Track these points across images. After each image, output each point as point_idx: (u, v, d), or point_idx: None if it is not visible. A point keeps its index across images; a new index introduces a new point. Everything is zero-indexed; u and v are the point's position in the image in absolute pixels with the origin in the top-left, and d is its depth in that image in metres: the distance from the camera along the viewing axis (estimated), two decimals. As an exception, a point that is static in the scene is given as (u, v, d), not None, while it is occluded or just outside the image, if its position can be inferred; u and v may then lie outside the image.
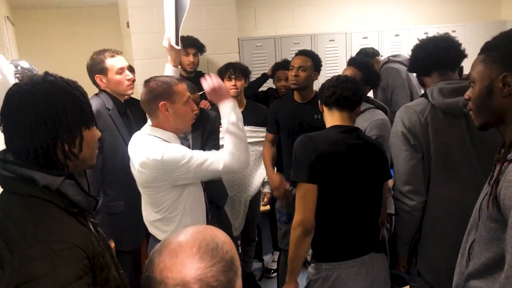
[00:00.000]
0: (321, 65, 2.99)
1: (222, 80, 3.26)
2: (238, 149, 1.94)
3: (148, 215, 2.06)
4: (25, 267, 0.99)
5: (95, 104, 2.36)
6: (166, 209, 1.96)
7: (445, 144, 1.85)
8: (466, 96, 1.33)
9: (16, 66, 2.26)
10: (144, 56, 3.80)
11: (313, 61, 2.92)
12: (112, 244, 2.37)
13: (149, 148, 1.89)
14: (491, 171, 1.29)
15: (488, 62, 1.23)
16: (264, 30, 5.00)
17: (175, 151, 1.87)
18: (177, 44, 2.24)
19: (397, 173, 1.95)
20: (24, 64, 2.33)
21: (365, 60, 2.71)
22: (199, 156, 1.89)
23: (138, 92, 3.76)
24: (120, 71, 2.46)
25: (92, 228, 1.23)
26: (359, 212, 1.91)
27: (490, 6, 5.99)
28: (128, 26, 3.81)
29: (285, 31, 5.04)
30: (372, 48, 4.05)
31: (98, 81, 2.46)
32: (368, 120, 2.44)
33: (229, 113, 1.98)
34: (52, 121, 1.10)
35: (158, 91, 1.94)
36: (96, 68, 2.44)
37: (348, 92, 1.97)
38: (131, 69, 2.79)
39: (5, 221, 1.06)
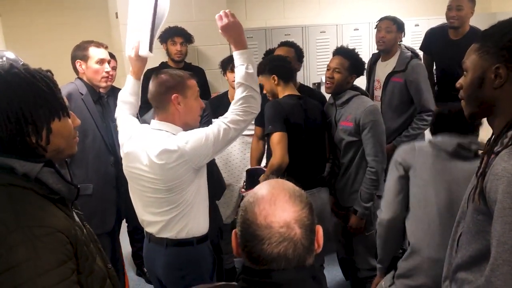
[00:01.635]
0: (303, 56, 3.05)
1: (225, 72, 3.29)
2: (249, 104, 1.90)
3: (151, 216, 1.98)
4: (7, 254, 0.99)
5: (67, 88, 2.49)
6: (183, 205, 1.89)
7: None
8: (457, 84, 1.32)
9: (1, 57, 2.22)
10: (133, 47, 3.75)
11: (296, 52, 2.97)
12: None
13: (166, 140, 1.84)
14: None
15: (482, 52, 1.22)
16: (255, 22, 4.97)
17: (193, 134, 1.86)
18: (150, 50, 2.09)
19: None
20: (10, 55, 2.29)
21: (350, 49, 2.70)
22: (211, 131, 1.86)
23: (119, 83, 3.73)
24: (100, 62, 2.59)
25: (76, 218, 1.23)
26: (310, 154, 2.58)
27: (481, -2, 6.00)
28: (117, 17, 3.77)
29: (275, 23, 5.01)
30: None
31: (77, 66, 2.59)
32: (360, 108, 2.52)
33: (246, 63, 1.91)
34: (14, 115, 1.09)
35: (171, 84, 1.91)
36: (78, 54, 2.58)
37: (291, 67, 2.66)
38: (111, 56, 2.84)
39: None
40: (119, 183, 2.62)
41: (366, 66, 3.51)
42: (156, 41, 3.57)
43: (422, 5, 5.67)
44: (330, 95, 2.73)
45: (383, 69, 3.32)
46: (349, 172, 2.61)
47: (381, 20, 3.39)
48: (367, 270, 2.66)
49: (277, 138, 2.44)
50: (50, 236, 1.04)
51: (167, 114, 1.93)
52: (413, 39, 5.28)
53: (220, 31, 1.94)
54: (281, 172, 2.39)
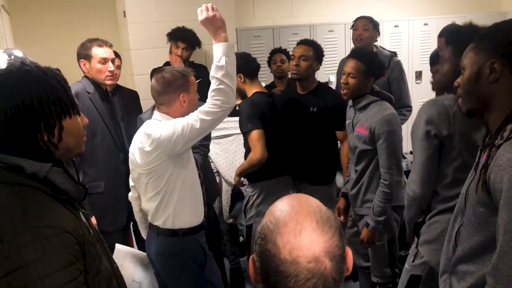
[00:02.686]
0: (323, 55, 2.93)
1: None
2: (218, 97, 1.95)
3: (146, 203, 2.15)
4: (15, 253, 0.99)
5: (75, 88, 2.51)
6: (163, 192, 2.03)
7: (469, 140, 1.77)
8: (456, 82, 1.39)
9: (9, 55, 2.23)
10: (140, 46, 3.76)
11: (315, 51, 2.85)
12: (94, 221, 2.44)
13: (150, 126, 2.02)
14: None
15: (478, 50, 1.28)
16: (263, 20, 4.95)
17: (167, 126, 1.97)
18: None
19: (414, 164, 1.90)
20: (18, 53, 2.31)
21: (366, 50, 2.66)
22: (183, 121, 1.97)
23: (127, 81, 3.76)
24: (103, 61, 2.60)
25: (83, 218, 1.23)
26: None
27: (491, -3, 5.95)
28: (124, 16, 3.77)
29: (283, 22, 4.99)
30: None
31: (81, 65, 2.62)
32: (377, 116, 2.36)
33: (219, 56, 1.96)
34: (27, 112, 1.08)
35: (178, 83, 2.04)
36: (82, 53, 2.62)
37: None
38: (116, 55, 2.86)
39: None
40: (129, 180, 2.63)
41: (339, 66, 3.63)
42: (164, 39, 3.59)
43: (430, 4, 5.62)
44: None
45: None
46: (362, 180, 2.50)
47: (357, 19, 3.55)
48: (380, 277, 2.60)
49: (256, 135, 2.63)
50: (58, 236, 1.04)
51: (171, 109, 2.07)
52: (422, 38, 5.25)
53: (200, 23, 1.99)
54: (259, 167, 2.66)
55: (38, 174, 1.09)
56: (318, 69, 2.94)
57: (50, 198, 1.11)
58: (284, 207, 0.88)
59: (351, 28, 3.54)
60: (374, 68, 2.44)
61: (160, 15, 3.78)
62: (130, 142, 2.71)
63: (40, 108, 1.10)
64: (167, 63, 3.61)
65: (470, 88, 1.30)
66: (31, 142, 1.11)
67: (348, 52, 2.76)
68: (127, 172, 2.60)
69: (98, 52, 2.59)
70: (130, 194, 2.31)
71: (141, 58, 3.74)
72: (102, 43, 2.62)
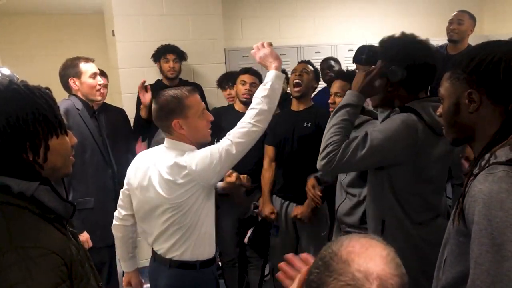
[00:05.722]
0: (319, 77, 3.04)
1: (224, 88, 3.48)
2: (256, 117, 1.93)
3: (162, 237, 1.97)
4: (0, 275, 0.96)
5: (64, 105, 2.52)
6: (188, 226, 1.90)
7: (428, 163, 1.77)
8: (437, 113, 1.37)
9: (-4, 73, 2.21)
10: (129, 64, 3.77)
11: (313, 69, 2.94)
12: (86, 236, 2.45)
13: (176, 157, 1.87)
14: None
15: (454, 80, 1.25)
16: (251, 41, 4.95)
17: (201, 156, 1.86)
18: None
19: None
20: (5, 71, 2.28)
21: (350, 70, 2.71)
22: (219, 149, 1.87)
23: (115, 100, 3.75)
24: (93, 75, 2.64)
25: (71, 237, 1.20)
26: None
27: (473, 21, 6.09)
28: (113, 35, 3.78)
29: (272, 42, 5.04)
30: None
31: (71, 83, 2.61)
32: None
33: (267, 81, 2.02)
34: (12, 131, 1.07)
35: (170, 108, 1.87)
36: (70, 71, 2.61)
37: None
38: (103, 74, 2.89)
39: None
40: (118, 197, 2.64)
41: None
42: (150, 59, 3.62)
43: (414, 27, 5.74)
44: None
45: None
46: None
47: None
48: None
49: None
50: (44, 257, 1.02)
51: (174, 136, 1.92)
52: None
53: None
54: None
55: (25, 193, 1.08)
56: (314, 90, 3.01)
57: (38, 218, 1.09)
58: (360, 237, 0.85)
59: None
60: None
61: (149, 34, 3.80)
62: (116, 160, 2.77)
63: (26, 127, 1.08)
64: (158, 82, 3.63)
65: (451, 119, 1.29)
66: (16, 161, 1.09)
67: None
68: (115, 189, 2.65)
69: (87, 67, 2.62)
70: (119, 223, 2.13)
71: (129, 76, 3.74)
72: (87, 59, 2.66)
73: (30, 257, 1.00)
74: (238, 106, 3.13)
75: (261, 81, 3.05)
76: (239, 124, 1.92)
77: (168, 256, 1.95)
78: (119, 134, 2.94)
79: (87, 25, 4.97)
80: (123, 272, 2.31)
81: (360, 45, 2.76)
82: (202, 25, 4.00)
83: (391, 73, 1.78)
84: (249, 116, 1.92)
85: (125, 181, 2.06)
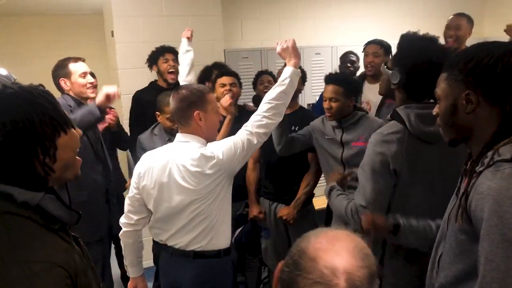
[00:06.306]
0: (306, 79, 3.09)
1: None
2: (272, 110, 2.02)
3: (184, 229, 1.99)
4: None
5: None
6: (214, 215, 1.96)
7: (422, 172, 1.76)
8: (434, 112, 1.37)
9: (-6, 73, 2.21)
10: (128, 65, 3.76)
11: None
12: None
13: (200, 148, 1.94)
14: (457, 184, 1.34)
15: (450, 81, 1.26)
16: (251, 42, 5.00)
17: (226, 146, 1.95)
18: None
19: (363, 190, 1.81)
20: (3, 71, 2.29)
21: (340, 73, 2.73)
22: (241, 139, 1.98)
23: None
24: (83, 75, 2.68)
25: (74, 244, 1.17)
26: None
27: (473, 22, 6.08)
28: (112, 35, 3.78)
29: (271, 44, 5.01)
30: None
31: (62, 84, 2.65)
32: (373, 126, 2.43)
33: (285, 77, 2.08)
34: (22, 137, 1.03)
35: (192, 99, 1.97)
36: (60, 72, 2.67)
37: None
38: (92, 75, 2.88)
39: None
40: (109, 194, 2.75)
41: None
42: (144, 64, 3.59)
43: (414, 28, 5.73)
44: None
45: (374, 91, 3.34)
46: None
47: (367, 44, 3.48)
48: None
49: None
50: (49, 272, 0.99)
51: (190, 129, 1.99)
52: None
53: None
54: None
55: (30, 202, 1.03)
56: (300, 92, 3.04)
57: (41, 228, 1.05)
58: (331, 231, 0.88)
59: (362, 52, 3.55)
60: (351, 88, 2.59)
61: (148, 35, 3.80)
62: (111, 155, 2.85)
63: (34, 130, 1.04)
64: (152, 84, 3.60)
65: (448, 120, 1.30)
66: (26, 168, 1.05)
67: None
68: (106, 186, 2.73)
69: (77, 67, 2.67)
70: (130, 229, 2.07)
71: (128, 77, 3.74)
72: (77, 59, 2.70)
73: (34, 272, 0.97)
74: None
75: (238, 78, 3.16)
76: (256, 117, 2.02)
77: (190, 248, 1.98)
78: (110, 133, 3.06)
79: (87, 26, 4.95)
80: (121, 274, 2.32)
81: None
82: (202, 26, 3.99)
83: (392, 76, 1.80)
84: (266, 109, 2.02)
85: (133, 185, 2.03)
